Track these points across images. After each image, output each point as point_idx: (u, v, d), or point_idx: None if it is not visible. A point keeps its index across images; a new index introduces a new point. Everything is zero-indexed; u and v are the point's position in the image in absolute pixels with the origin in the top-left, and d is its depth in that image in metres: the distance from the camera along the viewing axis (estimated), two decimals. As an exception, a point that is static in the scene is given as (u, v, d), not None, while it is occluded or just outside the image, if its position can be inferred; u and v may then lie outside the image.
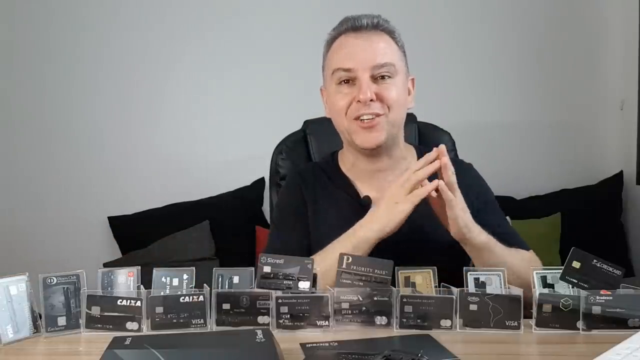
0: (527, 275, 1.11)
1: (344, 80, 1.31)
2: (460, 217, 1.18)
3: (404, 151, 1.42)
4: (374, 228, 1.22)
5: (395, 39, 1.34)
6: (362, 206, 1.35)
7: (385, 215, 1.22)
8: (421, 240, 1.29)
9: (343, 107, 1.31)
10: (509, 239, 1.30)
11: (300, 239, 1.37)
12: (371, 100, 1.28)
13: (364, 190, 1.39)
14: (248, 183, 2.99)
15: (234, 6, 3.04)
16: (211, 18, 3.05)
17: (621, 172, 2.98)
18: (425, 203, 1.26)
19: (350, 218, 1.26)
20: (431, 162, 1.21)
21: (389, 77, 1.30)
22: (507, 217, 2.63)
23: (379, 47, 1.30)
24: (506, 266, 1.14)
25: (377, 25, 1.32)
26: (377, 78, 1.30)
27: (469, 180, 1.40)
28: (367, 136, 1.31)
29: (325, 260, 1.19)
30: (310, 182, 1.44)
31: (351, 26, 1.32)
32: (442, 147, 1.21)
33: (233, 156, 3.04)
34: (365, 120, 1.30)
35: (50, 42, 3.03)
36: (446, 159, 1.19)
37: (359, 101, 1.28)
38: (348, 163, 1.43)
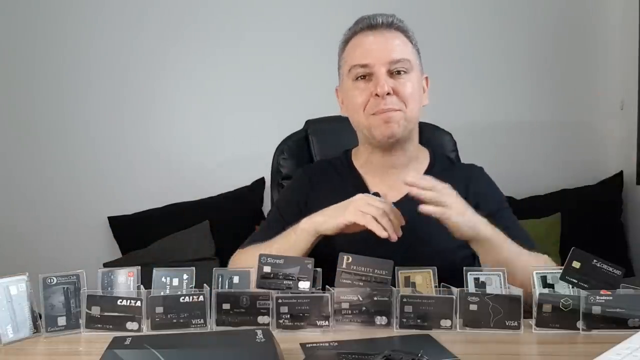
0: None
1: (360, 77, 1.33)
2: (460, 223, 1.16)
3: (418, 151, 1.43)
4: (315, 219, 1.24)
5: (410, 37, 1.36)
6: None
7: (330, 213, 1.23)
8: (422, 244, 1.28)
9: (361, 103, 1.33)
10: (521, 244, 1.28)
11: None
12: (388, 94, 1.29)
13: (374, 186, 1.39)
14: (248, 183, 2.99)
15: (233, 5, 3.04)
16: (211, 17, 3.05)
17: (621, 172, 2.98)
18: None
19: None
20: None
21: (405, 72, 1.32)
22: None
23: (394, 43, 1.33)
24: (518, 265, 1.14)
25: (392, 24, 1.35)
26: (393, 73, 1.31)
27: (478, 187, 1.40)
28: (385, 128, 1.31)
29: (273, 245, 1.26)
30: (316, 179, 1.45)
31: (367, 25, 1.34)
32: (410, 180, 1.18)
33: (233, 156, 3.05)
34: (384, 113, 1.30)
35: (50, 41, 3.03)
36: (415, 191, 1.15)
37: (377, 95, 1.29)
38: (362, 159, 1.43)
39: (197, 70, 3.06)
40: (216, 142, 3.06)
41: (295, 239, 1.25)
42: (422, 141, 1.62)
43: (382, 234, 1.15)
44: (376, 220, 1.16)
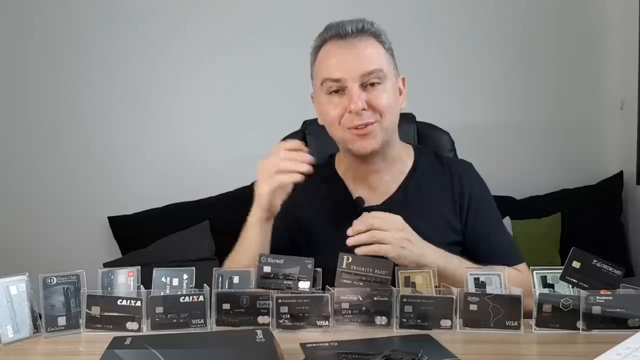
0: None
1: (334, 90, 1.30)
2: (399, 257, 1.15)
3: (400, 151, 1.41)
4: (252, 212, 1.30)
5: (382, 41, 1.32)
6: (355, 207, 1.35)
7: (256, 195, 1.28)
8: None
9: (335, 117, 1.30)
10: (496, 254, 1.29)
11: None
12: (363, 109, 1.26)
13: (358, 190, 1.39)
14: (248, 183, 2.98)
15: (232, 7, 3.04)
16: (210, 18, 3.04)
17: (621, 172, 2.98)
18: (421, 206, 1.30)
19: (344, 219, 1.24)
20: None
21: (379, 83, 1.28)
22: (507, 217, 2.65)
23: (366, 53, 1.28)
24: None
25: (362, 30, 1.30)
26: (366, 85, 1.28)
27: (467, 187, 1.39)
28: (362, 143, 1.30)
29: (237, 252, 1.31)
30: (301, 186, 1.45)
31: (336, 33, 1.30)
32: (350, 233, 1.16)
33: (233, 156, 3.04)
34: (360, 128, 1.29)
35: (48, 42, 3.03)
36: (352, 241, 1.15)
37: (350, 112, 1.27)
38: (344, 166, 1.43)
39: (196, 70, 3.05)
40: (216, 142, 3.06)
41: (247, 233, 1.31)
42: (420, 141, 1.62)
43: (296, 178, 1.21)
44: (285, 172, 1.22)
